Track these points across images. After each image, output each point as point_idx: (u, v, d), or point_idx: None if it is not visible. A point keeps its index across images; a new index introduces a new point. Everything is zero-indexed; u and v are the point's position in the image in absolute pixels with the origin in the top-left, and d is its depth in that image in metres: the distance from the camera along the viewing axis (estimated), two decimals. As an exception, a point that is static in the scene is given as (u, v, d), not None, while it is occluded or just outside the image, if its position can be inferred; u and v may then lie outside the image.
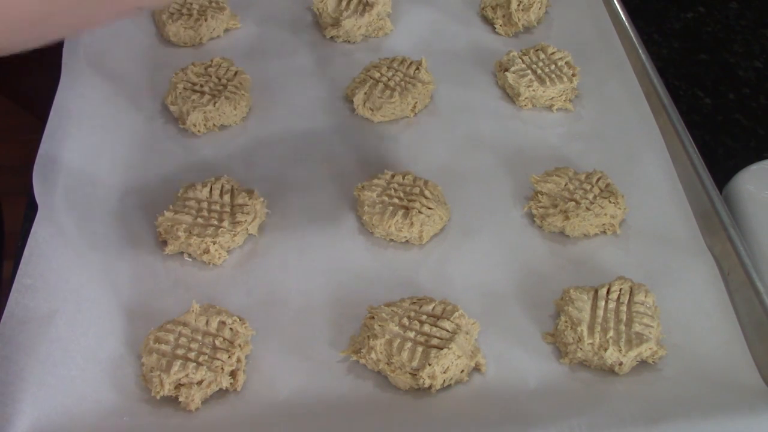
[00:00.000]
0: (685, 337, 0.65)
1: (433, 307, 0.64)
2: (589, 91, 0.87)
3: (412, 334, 0.62)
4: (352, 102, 0.84)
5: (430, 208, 0.72)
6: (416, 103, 0.84)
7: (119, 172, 0.77)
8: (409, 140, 0.82)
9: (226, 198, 0.72)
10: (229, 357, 0.61)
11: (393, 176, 0.75)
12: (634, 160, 0.79)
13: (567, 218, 0.72)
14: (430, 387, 0.61)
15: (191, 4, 0.92)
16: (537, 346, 0.65)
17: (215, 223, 0.70)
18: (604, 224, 0.73)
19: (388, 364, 0.61)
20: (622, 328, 0.63)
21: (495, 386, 0.62)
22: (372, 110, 0.83)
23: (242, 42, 0.92)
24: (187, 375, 0.60)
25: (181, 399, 0.60)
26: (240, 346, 0.62)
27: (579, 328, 0.63)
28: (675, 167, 0.78)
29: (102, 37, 0.88)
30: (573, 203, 0.73)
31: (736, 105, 0.91)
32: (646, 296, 0.65)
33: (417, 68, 0.85)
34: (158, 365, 0.60)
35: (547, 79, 0.85)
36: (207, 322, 0.63)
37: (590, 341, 0.62)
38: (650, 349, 0.63)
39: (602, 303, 0.65)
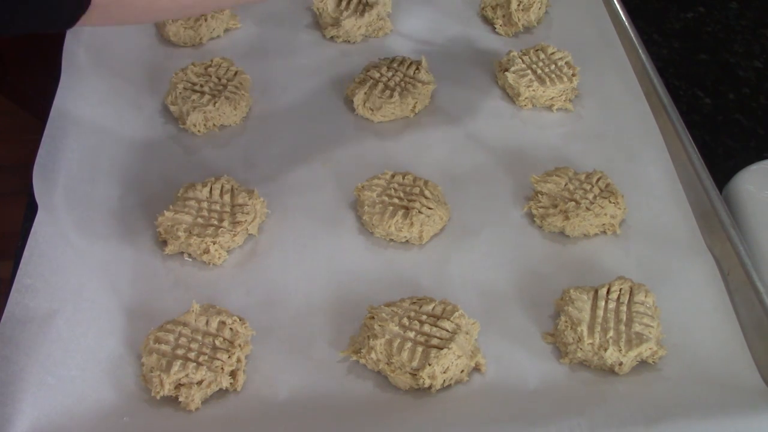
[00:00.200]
0: (685, 337, 0.65)
1: (433, 307, 0.64)
2: (589, 91, 0.87)
3: (412, 334, 0.62)
4: (352, 102, 0.84)
5: (430, 208, 0.72)
6: (416, 103, 0.84)
7: (119, 172, 0.77)
8: (409, 140, 0.82)
9: (226, 198, 0.72)
10: (229, 357, 0.61)
11: (393, 176, 0.75)
12: (634, 160, 0.80)
13: (567, 218, 0.72)
14: (430, 387, 0.61)
15: (191, 4, 0.92)
16: (537, 346, 0.65)
17: (215, 223, 0.70)
18: (604, 224, 0.73)
19: (388, 364, 0.61)
20: (622, 328, 0.63)
21: (495, 386, 0.62)
22: (372, 110, 0.83)
23: (242, 42, 0.92)
24: (187, 375, 0.60)
25: (181, 399, 0.60)
26: (240, 346, 0.62)
27: (579, 328, 0.63)
28: (675, 167, 0.78)
29: (102, 37, 0.89)
30: (573, 203, 0.72)
31: (736, 105, 0.91)
32: (646, 296, 0.65)
33: (417, 68, 0.85)
34: (158, 365, 0.60)
35: (547, 79, 0.85)
36: (207, 322, 0.63)
37: (590, 341, 0.62)
38: (650, 349, 0.63)
39: (602, 303, 0.65)
